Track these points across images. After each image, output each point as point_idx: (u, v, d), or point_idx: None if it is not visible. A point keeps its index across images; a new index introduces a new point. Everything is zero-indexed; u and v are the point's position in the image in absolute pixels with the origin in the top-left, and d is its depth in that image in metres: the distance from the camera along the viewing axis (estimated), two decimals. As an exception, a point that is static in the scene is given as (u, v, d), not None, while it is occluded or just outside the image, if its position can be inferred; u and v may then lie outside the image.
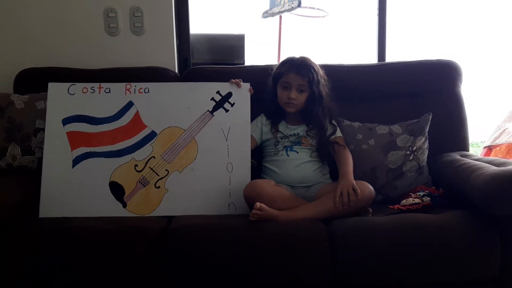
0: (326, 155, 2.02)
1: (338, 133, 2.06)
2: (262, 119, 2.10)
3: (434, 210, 1.79)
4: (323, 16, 4.62)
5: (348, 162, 1.95)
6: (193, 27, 2.59)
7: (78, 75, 2.23)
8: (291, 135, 2.03)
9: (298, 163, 1.99)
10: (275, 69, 2.07)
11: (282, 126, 2.06)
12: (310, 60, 2.04)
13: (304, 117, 2.06)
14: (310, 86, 1.99)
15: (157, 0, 2.43)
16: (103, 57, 2.42)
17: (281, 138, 2.03)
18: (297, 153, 2.01)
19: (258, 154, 2.08)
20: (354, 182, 1.81)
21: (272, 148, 2.04)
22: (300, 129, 2.05)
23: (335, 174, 1.99)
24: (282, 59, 2.11)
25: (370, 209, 1.82)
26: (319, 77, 2.02)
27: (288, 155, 2.00)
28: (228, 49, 2.90)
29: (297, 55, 2.07)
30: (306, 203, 1.83)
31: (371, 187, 1.82)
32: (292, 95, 1.98)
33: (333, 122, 2.07)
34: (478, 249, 1.62)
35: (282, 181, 1.95)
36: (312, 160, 2.01)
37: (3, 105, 2.08)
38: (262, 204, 1.71)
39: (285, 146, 2.02)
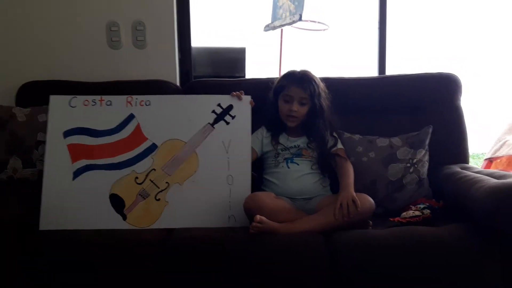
0: (327, 167, 2.02)
1: (339, 145, 2.07)
2: (262, 131, 2.10)
3: (434, 222, 1.79)
4: (324, 30, 4.64)
5: (349, 174, 1.95)
6: (195, 41, 2.62)
7: (80, 88, 2.24)
8: (291, 147, 2.04)
9: (298, 175, 1.99)
10: (276, 82, 2.08)
11: (283, 138, 2.07)
12: (311, 73, 2.06)
13: (305, 130, 2.06)
14: (311, 99, 2.00)
15: (159, 14, 2.45)
16: (105, 70, 2.43)
17: (282, 150, 2.04)
18: (298, 165, 2.01)
19: (260, 165, 2.08)
20: (354, 194, 1.81)
21: (272, 160, 2.04)
22: (301, 141, 2.05)
23: (335, 186, 1.99)
24: (283, 73, 2.12)
25: (370, 222, 1.82)
26: (320, 90, 2.03)
27: (288, 167, 2.01)
28: (229, 62, 2.92)
29: (298, 68, 2.08)
30: (306, 216, 1.83)
31: (371, 200, 1.82)
32: (293, 108, 1.99)
33: (334, 134, 2.08)
34: (478, 262, 1.61)
35: (282, 193, 1.95)
36: (312, 172, 2.01)
37: (5, 118, 2.09)
38: (262, 217, 1.70)
39: (285, 158, 2.02)
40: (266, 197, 1.85)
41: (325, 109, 2.04)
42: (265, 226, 1.70)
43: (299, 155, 2.03)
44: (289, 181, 1.98)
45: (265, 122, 2.12)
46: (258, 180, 2.05)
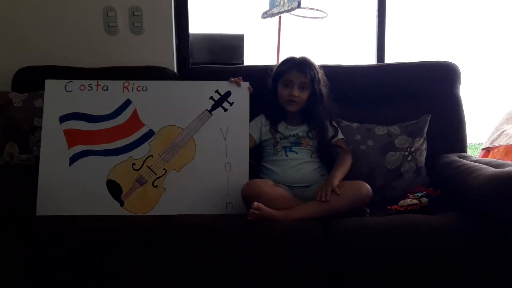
0: (327, 156, 2.02)
1: (340, 135, 2.06)
2: (261, 119, 2.10)
3: (432, 211, 1.79)
4: (322, 17, 4.62)
5: (341, 166, 1.96)
6: (192, 27, 2.60)
7: (77, 73, 2.22)
8: (290, 135, 2.03)
9: (296, 163, 1.99)
10: (275, 68, 2.07)
11: (282, 127, 2.06)
12: (310, 60, 2.05)
13: (304, 117, 2.06)
14: (311, 84, 2.00)
15: (156, 0, 2.43)
16: (102, 56, 2.42)
17: (280, 139, 2.03)
18: (296, 153, 2.01)
19: (256, 154, 2.08)
20: (335, 184, 1.82)
21: (271, 149, 2.04)
22: (300, 130, 2.04)
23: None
24: (281, 59, 2.11)
25: (368, 210, 1.82)
26: (320, 76, 2.03)
27: (287, 156, 2.00)
28: (227, 49, 2.90)
29: (297, 55, 2.07)
30: (304, 203, 1.83)
31: (368, 186, 1.82)
32: (294, 93, 1.98)
33: (334, 123, 2.07)
34: (476, 250, 1.62)
35: (280, 180, 1.95)
36: (311, 161, 2.01)
37: (1, 103, 2.08)
38: (260, 204, 1.70)
39: (284, 146, 2.02)
40: (264, 185, 1.85)
41: (325, 95, 2.03)
42: (263, 213, 1.70)
43: (297, 144, 2.02)
44: (288, 170, 1.98)
45: (264, 110, 2.11)
46: (256, 168, 2.05)
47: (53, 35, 2.42)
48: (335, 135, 2.05)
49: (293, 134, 2.03)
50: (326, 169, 2.04)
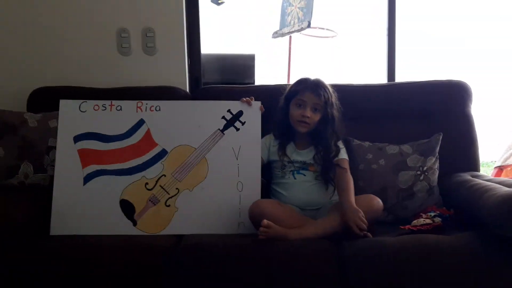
0: (330, 177, 1.98)
1: (342, 156, 2.01)
2: (270, 139, 2.08)
3: (445, 231, 1.78)
4: (332, 37, 4.65)
5: (349, 188, 1.88)
6: (204, 47, 2.62)
7: (91, 94, 2.25)
8: (297, 161, 2.01)
9: (305, 186, 1.98)
10: (288, 88, 2.07)
11: (290, 148, 2.03)
12: (325, 82, 2.03)
13: (313, 139, 2.03)
14: (325, 107, 1.98)
15: (169, 21, 2.47)
16: (115, 76, 2.45)
17: (288, 162, 2.01)
18: (304, 175, 1.99)
19: (267, 173, 2.08)
20: (357, 208, 1.76)
21: (279, 171, 2.03)
22: (308, 156, 2.01)
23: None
24: (291, 79, 2.12)
25: (375, 227, 1.80)
26: (333, 100, 2.02)
27: (295, 178, 1.99)
28: (238, 68, 2.93)
29: (311, 76, 2.06)
30: (314, 221, 1.83)
31: (378, 199, 1.83)
32: (306, 113, 1.96)
33: (338, 144, 2.02)
34: (490, 271, 1.60)
35: (290, 203, 1.95)
36: (319, 182, 1.99)
37: (16, 123, 2.10)
38: (269, 222, 1.70)
39: (291, 170, 2.00)
40: (268, 204, 1.86)
41: (336, 120, 2.02)
42: (273, 230, 1.69)
43: (305, 169, 2.00)
44: (297, 192, 1.97)
45: (274, 130, 2.10)
46: (268, 187, 2.05)
47: (68, 56, 2.46)
48: (336, 154, 1.99)
49: (300, 161, 2.01)
50: (332, 186, 2.00)
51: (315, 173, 2.00)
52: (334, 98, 2.03)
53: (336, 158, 1.99)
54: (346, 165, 2.00)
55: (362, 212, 1.75)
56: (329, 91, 2.01)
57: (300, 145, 2.04)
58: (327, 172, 1.98)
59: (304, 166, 2.00)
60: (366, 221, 1.73)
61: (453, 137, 2.15)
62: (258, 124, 2.05)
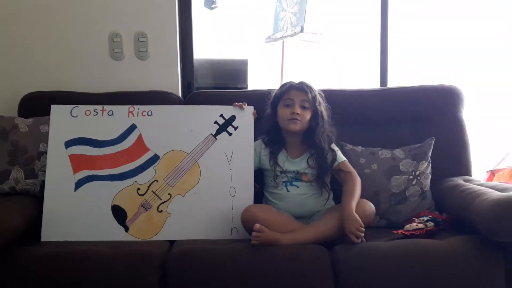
0: (325, 184, 1.97)
1: (340, 159, 1.98)
2: (260, 146, 2.04)
3: (437, 235, 1.78)
4: (325, 41, 4.67)
5: (351, 194, 1.84)
6: (197, 52, 2.62)
7: (83, 99, 2.23)
8: (289, 171, 1.97)
9: (299, 199, 1.95)
10: (273, 93, 2.05)
11: (282, 157, 1.99)
12: (309, 83, 2.01)
13: (305, 142, 2.00)
14: (313, 103, 1.97)
15: (161, 26, 2.46)
16: (107, 81, 2.43)
17: (280, 173, 1.98)
18: (298, 187, 1.97)
19: (260, 178, 2.07)
20: (357, 219, 1.73)
21: (271, 180, 2.00)
22: (301, 165, 1.97)
23: (338, 194, 1.95)
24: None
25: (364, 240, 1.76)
26: (320, 98, 2.01)
27: (288, 190, 1.97)
28: (231, 73, 2.91)
29: (295, 80, 2.04)
30: (306, 226, 1.83)
31: (371, 204, 1.85)
32: (296, 110, 1.94)
33: (332, 147, 2.00)
34: (482, 275, 1.61)
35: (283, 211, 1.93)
36: (314, 193, 1.96)
37: (7, 128, 2.09)
38: (261, 226, 1.69)
39: (284, 181, 1.98)
40: (261, 210, 1.86)
41: (326, 118, 2.00)
42: (265, 235, 1.69)
43: (298, 179, 1.98)
44: (290, 205, 1.95)
45: (264, 138, 2.06)
46: (260, 192, 2.04)
47: (59, 61, 2.45)
48: (334, 159, 1.97)
49: (293, 170, 1.97)
50: (327, 192, 1.98)
51: (308, 182, 1.97)
52: (320, 98, 2.01)
53: (337, 163, 1.97)
54: (349, 166, 1.98)
55: (361, 223, 1.72)
56: (314, 90, 1.99)
57: (293, 153, 2.01)
58: (322, 176, 1.96)
59: (297, 176, 1.97)
60: (363, 229, 1.72)
61: (445, 142, 2.16)
62: (251, 129, 2.05)
